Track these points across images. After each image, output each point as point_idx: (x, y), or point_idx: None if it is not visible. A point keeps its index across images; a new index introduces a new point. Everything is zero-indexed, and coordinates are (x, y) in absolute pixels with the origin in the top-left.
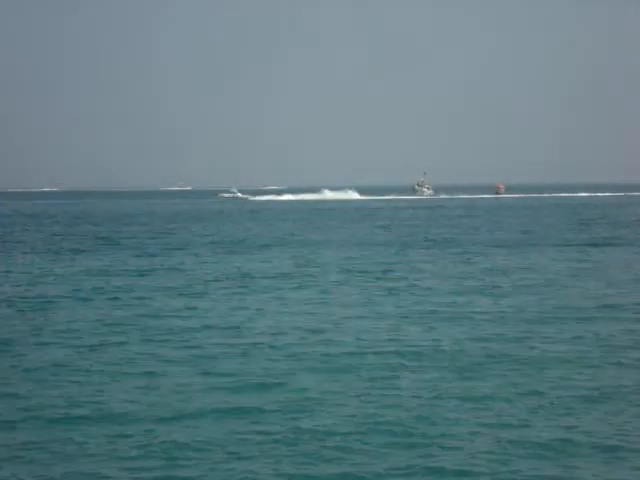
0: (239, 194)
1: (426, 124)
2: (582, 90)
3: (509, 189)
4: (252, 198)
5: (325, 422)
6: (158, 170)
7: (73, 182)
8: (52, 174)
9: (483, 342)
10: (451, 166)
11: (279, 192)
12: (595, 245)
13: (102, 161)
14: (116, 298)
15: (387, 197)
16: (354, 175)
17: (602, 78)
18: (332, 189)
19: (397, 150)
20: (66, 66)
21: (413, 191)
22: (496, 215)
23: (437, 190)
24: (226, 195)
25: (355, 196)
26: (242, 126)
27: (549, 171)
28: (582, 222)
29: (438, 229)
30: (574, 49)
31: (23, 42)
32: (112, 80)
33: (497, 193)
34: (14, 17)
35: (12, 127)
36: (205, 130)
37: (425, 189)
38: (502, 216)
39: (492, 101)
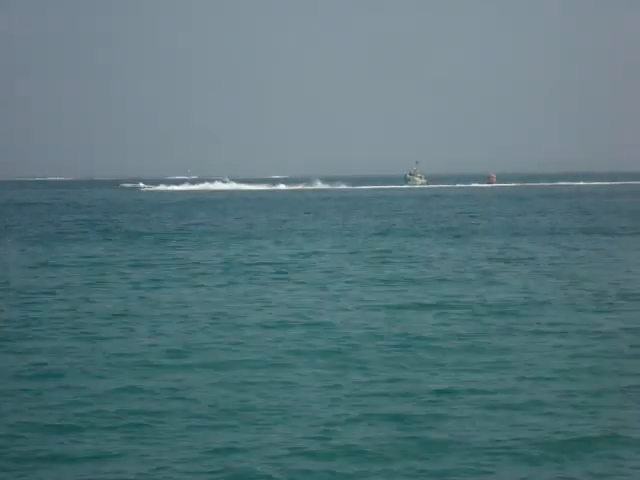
0: (141, 184)
1: (417, 116)
2: (577, 86)
3: (499, 178)
4: (155, 188)
5: None
6: (169, 159)
7: (83, 172)
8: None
9: None
10: (440, 157)
11: (275, 182)
12: None
13: (113, 152)
14: None
15: (380, 186)
16: (346, 166)
17: (601, 75)
18: (325, 180)
19: (389, 142)
20: (66, 65)
21: (405, 180)
22: (534, 204)
23: (430, 179)
24: (127, 185)
25: (344, 187)
26: (243, 123)
27: (537, 162)
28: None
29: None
30: (570, 46)
31: (23, 42)
32: (116, 76)
33: (489, 182)
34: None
35: (16, 119)
36: (210, 126)
37: (417, 178)
38: (542, 206)
39: (486, 97)
